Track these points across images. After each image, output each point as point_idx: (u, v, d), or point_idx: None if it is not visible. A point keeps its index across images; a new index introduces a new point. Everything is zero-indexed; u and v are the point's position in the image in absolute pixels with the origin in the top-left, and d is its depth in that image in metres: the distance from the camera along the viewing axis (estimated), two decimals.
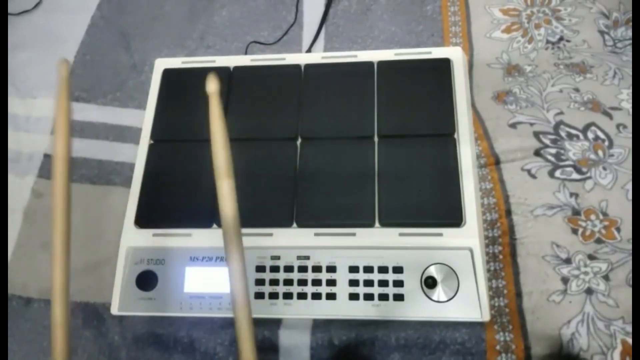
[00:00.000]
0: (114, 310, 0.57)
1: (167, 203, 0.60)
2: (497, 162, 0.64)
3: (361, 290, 0.54)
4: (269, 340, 0.59)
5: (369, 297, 0.54)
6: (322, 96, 0.64)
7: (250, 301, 0.40)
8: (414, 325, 0.58)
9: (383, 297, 0.54)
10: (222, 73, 0.67)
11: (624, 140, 0.61)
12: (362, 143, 0.60)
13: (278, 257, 0.56)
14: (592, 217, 0.58)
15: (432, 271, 0.54)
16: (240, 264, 0.39)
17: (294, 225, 0.58)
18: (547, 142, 0.63)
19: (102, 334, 0.62)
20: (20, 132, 0.75)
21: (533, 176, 0.61)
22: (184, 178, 0.61)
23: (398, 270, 0.54)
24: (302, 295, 0.55)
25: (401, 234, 0.56)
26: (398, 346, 0.57)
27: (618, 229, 0.57)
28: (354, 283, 0.54)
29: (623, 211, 0.58)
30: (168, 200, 0.60)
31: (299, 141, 0.62)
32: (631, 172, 0.59)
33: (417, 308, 0.53)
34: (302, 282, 0.55)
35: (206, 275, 0.57)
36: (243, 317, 0.38)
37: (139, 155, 0.64)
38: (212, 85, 0.40)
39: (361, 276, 0.54)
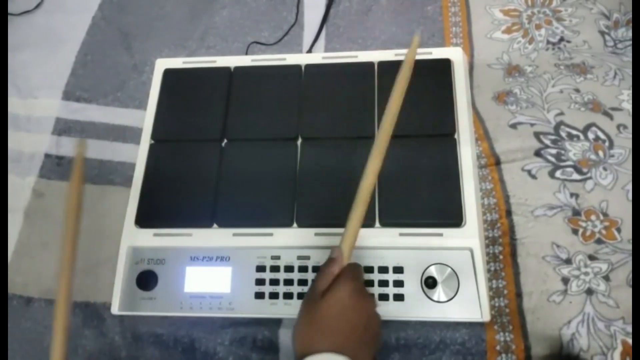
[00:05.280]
0: (114, 310, 0.57)
1: (167, 203, 0.60)
2: (498, 162, 0.63)
3: None
4: (269, 340, 0.59)
5: None
6: (323, 96, 0.64)
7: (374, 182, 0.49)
8: (414, 325, 0.57)
9: (383, 297, 0.54)
10: (223, 73, 0.67)
11: (625, 141, 0.61)
12: (362, 143, 0.60)
13: (278, 257, 0.56)
14: (593, 217, 0.58)
15: (432, 271, 0.54)
16: (378, 162, 0.49)
17: (294, 225, 0.58)
18: (548, 142, 0.63)
19: (102, 334, 0.62)
20: (21, 132, 0.75)
21: (533, 176, 0.61)
22: (184, 178, 0.61)
23: (398, 270, 0.54)
24: (302, 295, 0.55)
25: (401, 234, 0.56)
26: (398, 346, 0.57)
27: (618, 230, 0.57)
28: None
29: (623, 211, 0.58)
30: (168, 200, 0.61)
31: (299, 141, 0.62)
32: (631, 173, 0.59)
33: (417, 308, 0.53)
34: (303, 282, 0.55)
35: (206, 275, 0.57)
36: (367, 185, 0.48)
37: (139, 155, 0.64)
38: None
39: None
